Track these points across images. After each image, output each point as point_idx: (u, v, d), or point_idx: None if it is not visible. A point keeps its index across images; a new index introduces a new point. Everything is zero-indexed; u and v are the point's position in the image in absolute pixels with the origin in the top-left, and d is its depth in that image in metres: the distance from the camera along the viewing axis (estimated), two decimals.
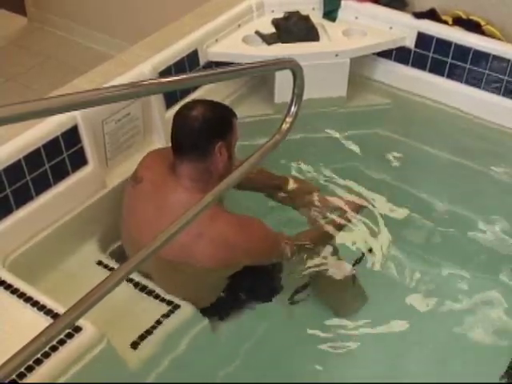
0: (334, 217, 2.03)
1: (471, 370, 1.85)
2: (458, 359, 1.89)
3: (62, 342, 1.43)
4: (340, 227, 2.04)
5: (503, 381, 1.74)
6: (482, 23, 2.48)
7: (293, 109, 1.47)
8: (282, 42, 2.49)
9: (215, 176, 1.74)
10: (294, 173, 2.35)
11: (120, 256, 1.95)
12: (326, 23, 2.61)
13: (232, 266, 1.78)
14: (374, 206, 2.20)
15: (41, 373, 1.38)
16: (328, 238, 2.00)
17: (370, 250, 2.08)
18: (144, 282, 1.80)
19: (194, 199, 1.62)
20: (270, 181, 2.14)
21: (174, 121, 1.76)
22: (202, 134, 1.71)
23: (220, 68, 1.37)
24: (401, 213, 2.25)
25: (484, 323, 1.96)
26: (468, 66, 2.45)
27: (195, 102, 1.80)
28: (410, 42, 2.54)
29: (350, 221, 2.07)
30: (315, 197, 2.10)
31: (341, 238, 2.04)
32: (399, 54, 2.58)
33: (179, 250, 1.66)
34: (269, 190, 2.14)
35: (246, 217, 1.81)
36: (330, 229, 2.01)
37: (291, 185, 2.12)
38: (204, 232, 1.67)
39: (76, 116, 1.86)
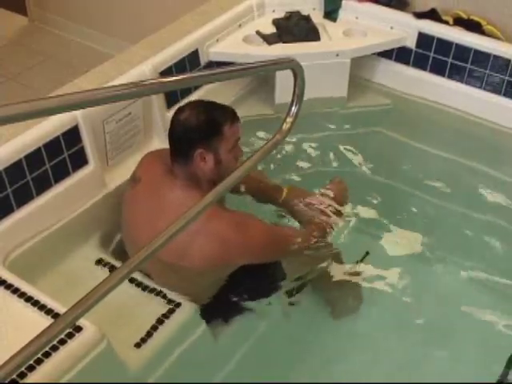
0: (323, 217, 2.01)
1: (475, 371, 1.85)
2: (461, 360, 1.89)
3: (62, 342, 1.43)
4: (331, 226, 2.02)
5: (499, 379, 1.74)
6: (483, 23, 2.48)
7: (293, 109, 1.47)
8: (283, 42, 2.49)
9: (204, 180, 1.74)
10: (292, 174, 2.35)
11: (121, 255, 1.94)
12: (327, 23, 2.61)
13: (228, 266, 1.78)
14: (371, 208, 2.20)
15: (41, 372, 1.38)
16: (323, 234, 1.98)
17: (367, 253, 2.07)
18: (145, 280, 1.80)
19: (190, 198, 1.63)
20: (267, 191, 2.11)
21: (170, 122, 1.76)
22: (182, 140, 1.72)
23: (221, 68, 1.37)
24: (400, 211, 2.26)
25: (488, 321, 1.96)
26: (469, 66, 2.45)
27: (189, 105, 1.78)
28: (410, 42, 2.54)
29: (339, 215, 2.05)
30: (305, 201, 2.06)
31: (340, 238, 2.04)
32: (400, 54, 2.58)
33: (175, 251, 1.66)
34: (265, 198, 2.12)
35: (243, 214, 1.80)
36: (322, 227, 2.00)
37: (286, 196, 2.07)
38: (200, 231, 1.66)
39: (76, 116, 1.86)
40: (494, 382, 1.74)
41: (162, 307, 1.74)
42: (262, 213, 2.04)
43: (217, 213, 1.70)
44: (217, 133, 1.72)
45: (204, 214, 1.25)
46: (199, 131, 1.71)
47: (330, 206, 2.03)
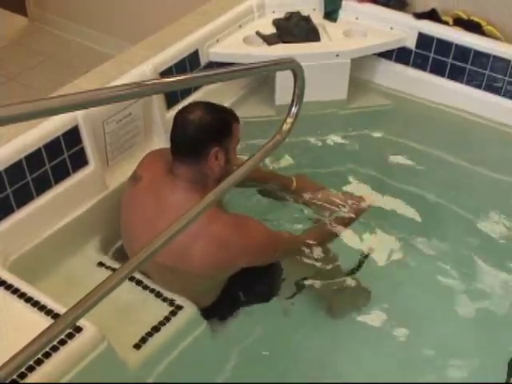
0: (342, 214, 2.04)
1: (475, 371, 1.86)
2: (463, 360, 1.89)
3: (62, 342, 1.43)
4: (346, 225, 2.04)
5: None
6: (483, 24, 2.48)
7: (293, 109, 1.47)
8: (283, 43, 2.49)
9: (212, 179, 1.74)
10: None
11: (121, 256, 1.95)
12: (327, 24, 2.61)
13: (228, 269, 1.78)
14: (375, 207, 2.20)
15: (42, 373, 1.38)
16: (332, 237, 2.01)
17: (366, 257, 2.07)
18: (146, 281, 1.80)
19: (191, 199, 1.63)
20: (276, 180, 2.16)
21: (174, 122, 1.76)
22: (197, 139, 1.71)
23: (221, 68, 1.37)
24: (401, 213, 2.26)
25: (488, 323, 1.96)
26: (469, 66, 2.45)
27: (196, 105, 1.78)
28: (410, 43, 2.54)
29: (355, 219, 2.07)
30: (321, 194, 2.11)
31: (343, 239, 2.04)
32: (400, 55, 2.58)
33: (175, 253, 1.66)
34: (274, 187, 2.16)
35: (243, 216, 1.80)
36: (336, 227, 2.01)
37: (296, 184, 2.14)
38: (200, 233, 1.67)
39: (77, 116, 1.86)
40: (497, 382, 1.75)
41: (162, 308, 1.74)
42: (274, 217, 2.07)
43: (216, 215, 1.70)
44: (228, 132, 1.75)
45: (204, 217, 1.25)
46: (214, 130, 1.72)
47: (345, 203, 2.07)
